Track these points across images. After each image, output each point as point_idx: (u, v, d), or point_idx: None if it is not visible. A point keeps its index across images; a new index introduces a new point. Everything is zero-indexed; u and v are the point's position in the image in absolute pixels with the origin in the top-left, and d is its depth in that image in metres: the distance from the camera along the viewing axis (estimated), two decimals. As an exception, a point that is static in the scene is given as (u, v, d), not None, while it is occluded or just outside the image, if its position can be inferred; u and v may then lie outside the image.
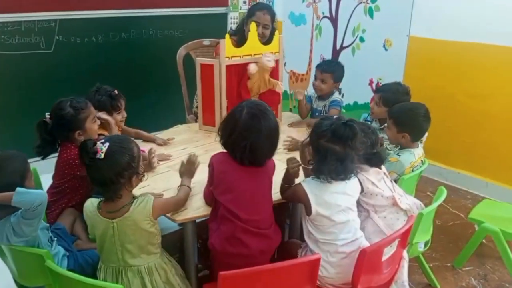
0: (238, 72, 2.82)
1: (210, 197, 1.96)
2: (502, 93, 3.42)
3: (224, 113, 2.75)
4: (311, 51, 4.76)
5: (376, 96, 2.82)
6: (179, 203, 1.93)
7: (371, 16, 4.15)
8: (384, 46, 4.09)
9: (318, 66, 3.13)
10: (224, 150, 1.91)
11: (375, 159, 2.12)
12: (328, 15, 4.53)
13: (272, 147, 1.88)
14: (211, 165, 1.91)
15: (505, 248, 2.54)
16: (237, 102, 2.84)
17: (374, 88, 4.23)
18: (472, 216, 2.69)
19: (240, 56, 2.81)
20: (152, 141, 2.69)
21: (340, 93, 4.46)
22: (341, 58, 4.48)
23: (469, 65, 3.56)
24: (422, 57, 3.79)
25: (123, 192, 1.75)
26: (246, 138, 1.80)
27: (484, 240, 2.89)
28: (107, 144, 1.68)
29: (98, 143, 1.69)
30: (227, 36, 2.77)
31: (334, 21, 4.50)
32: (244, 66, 2.80)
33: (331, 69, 3.04)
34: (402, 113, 2.46)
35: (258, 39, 2.87)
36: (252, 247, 1.86)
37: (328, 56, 4.56)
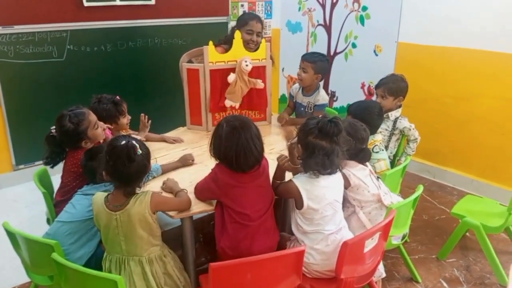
0: (222, 77, 2.86)
1: (206, 192, 1.99)
2: (485, 95, 3.43)
3: (209, 114, 2.91)
4: (307, 57, 4.78)
5: (379, 90, 2.85)
6: (182, 203, 1.97)
7: (362, 23, 4.17)
8: (374, 51, 4.11)
9: (302, 56, 3.05)
10: None
11: (363, 154, 2.17)
12: (322, 23, 4.56)
13: (257, 152, 1.89)
14: (215, 174, 1.93)
15: (485, 241, 2.54)
16: (220, 104, 2.90)
17: (366, 91, 4.25)
18: (455, 211, 2.69)
19: (224, 61, 2.85)
20: (163, 140, 2.78)
21: (329, 95, 4.51)
22: (335, 63, 4.51)
23: (454, 69, 3.58)
24: (410, 61, 3.81)
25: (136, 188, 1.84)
26: (231, 149, 1.84)
27: (467, 234, 2.91)
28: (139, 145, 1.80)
29: (133, 142, 1.78)
30: (210, 43, 2.80)
31: (328, 28, 4.52)
32: (228, 70, 2.84)
33: (313, 60, 2.96)
34: (360, 110, 2.53)
35: (246, 46, 2.91)
36: (262, 245, 1.90)
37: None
